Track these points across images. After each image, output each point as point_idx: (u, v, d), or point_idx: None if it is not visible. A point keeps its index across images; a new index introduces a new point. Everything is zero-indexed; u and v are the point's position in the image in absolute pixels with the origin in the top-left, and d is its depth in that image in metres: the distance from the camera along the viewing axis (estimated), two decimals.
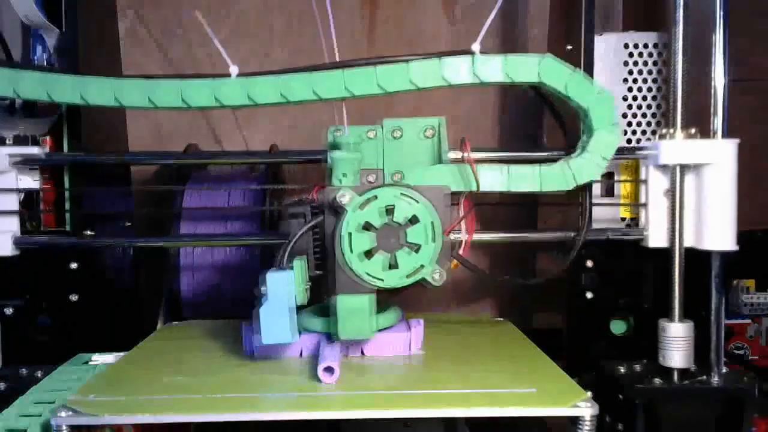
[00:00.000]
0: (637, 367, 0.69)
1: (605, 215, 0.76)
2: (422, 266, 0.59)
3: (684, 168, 0.68)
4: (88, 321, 0.74)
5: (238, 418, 0.50)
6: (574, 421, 0.51)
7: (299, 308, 0.59)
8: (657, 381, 0.65)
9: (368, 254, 0.59)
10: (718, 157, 0.67)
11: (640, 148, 0.72)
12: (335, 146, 0.63)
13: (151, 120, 0.99)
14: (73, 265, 0.73)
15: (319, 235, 0.61)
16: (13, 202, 0.72)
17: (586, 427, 0.50)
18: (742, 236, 0.68)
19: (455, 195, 0.63)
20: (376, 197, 0.59)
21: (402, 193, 0.59)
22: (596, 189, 0.75)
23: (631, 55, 0.74)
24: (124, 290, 0.84)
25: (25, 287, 0.73)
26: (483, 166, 0.64)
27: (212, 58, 0.99)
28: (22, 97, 0.65)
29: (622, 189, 0.75)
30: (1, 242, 0.71)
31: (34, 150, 0.72)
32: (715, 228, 0.67)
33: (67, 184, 0.75)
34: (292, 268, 0.57)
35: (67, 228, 0.75)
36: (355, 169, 0.61)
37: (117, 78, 0.64)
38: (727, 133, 0.68)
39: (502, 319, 0.81)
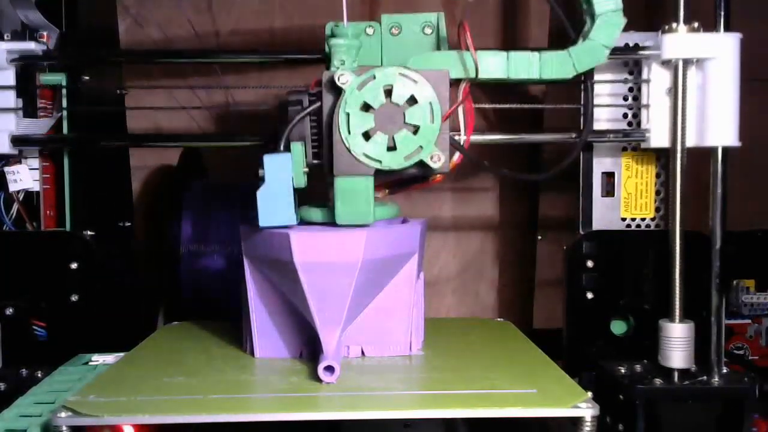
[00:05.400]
0: (637, 368, 0.68)
1: (605, 215, 0.76)
2: (421, 148, 0.59)
3: (687, 63, 0.68)
4: (88, 321, 0.74)
5: (238, 419, 0.49)
6: (575, 421, 0.51)
7: (300, 200, 0.60)
8: (657, 381, 0.65)
9: (367, 136, 0.59)
10: (721, 51, 0.67)
11: (643, 48, 0.71)
12: (334, 37, 0.62)
13: (150, 119, 0.99)
14: (73, 265, 0.73)
15: (317, 124, 0.61)
16: (10, 100, 0.72)
17: (587, 428, 0.50)
18: (742, 236, 0.68)
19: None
20: (374, 77, 0.59)
21: (401, 73, 0.59)
22: (596, 189, 0.75)
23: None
24: (124, 290, 0.84)
25: (25, 287, 0.73)
26: (482, 52, 0.64)
27: None
28: None
29: (623, 190, 0.75)
30: None
31: (31, 45, 0.72)
32: (718, 123, 0.67)
33: (64, 82, 0.74)
34: (290, 151, 0.58)
35: (67, 228, 0.75)
36: (354, 57, 0.60)
37: None
38: None
39: (502, 319, 0.81)
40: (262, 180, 0.57)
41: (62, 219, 0.75)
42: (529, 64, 0.64)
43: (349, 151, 0.59)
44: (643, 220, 0.76)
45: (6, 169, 0.74)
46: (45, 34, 0.74)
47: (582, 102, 0.71)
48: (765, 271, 0.78)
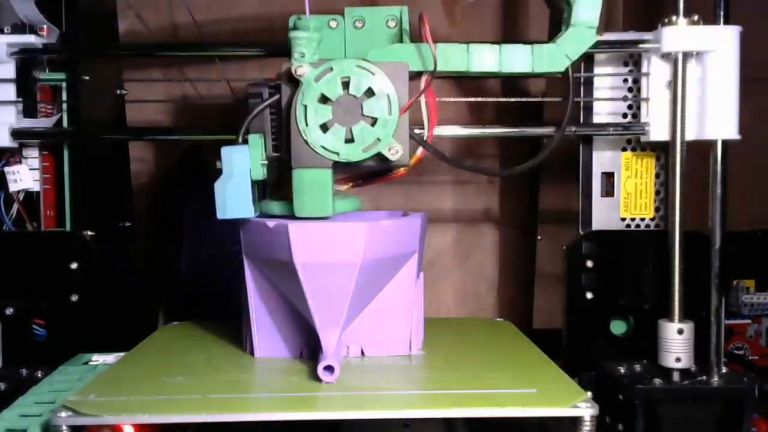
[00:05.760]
0: (637, 367, 0.68)
1: (604, 215, 0.76)
2: (379, 140, 0.60)
3: (686, 56, 0.68)
4: (88, 321, 0.74)
5: (238, 419, 0.50)
6: (575, 421, 0.51)
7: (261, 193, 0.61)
8: (657, 381, 0.65)
9: (324, 128, 0.59)
10: (721, 44, 0.67)
11: (643, 41, 0.71)
12: (295, 30, 0.63)
13: (150, 117, 0.99)
14: (73, 265, 0.73)
15: (277, 116, 0.61)
16: (10, 93, 0.71)
17: (586, 428, 0.50)
18: (742, 236, 0.68)
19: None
20: (332, 69, 0.59)
21: (358, 65, 0.59)
22: (596, 189, 0.75)
23: (631, 55, 0.74)
24: (124, 290, 0.84)
25: (25, 287, 0.73)
26: (443, 45, 0.64)
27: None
28: None
29: (623, 190, 0.76)
30: None
31: (31, 38, 0.72)
32: (717, 116, 0.67)
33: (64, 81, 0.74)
34: (248, 143, 0.59)
35: (67, 228, 0.75)
36: (314, 50, 0.61)
37: None
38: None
39: (502, 319, 0.81)
40: (219, 172, 0.58)
41: (62, 219, 0.75)
42: (492, 57, 0.64)
43: (307, 143, 0.59)
44: (642, 220, 0.76)
45: (6, 169, 0.74)
46: (45, 27, 0.73)
47: (566, 95, 0.71)
48: (765, 271, 0.79)
